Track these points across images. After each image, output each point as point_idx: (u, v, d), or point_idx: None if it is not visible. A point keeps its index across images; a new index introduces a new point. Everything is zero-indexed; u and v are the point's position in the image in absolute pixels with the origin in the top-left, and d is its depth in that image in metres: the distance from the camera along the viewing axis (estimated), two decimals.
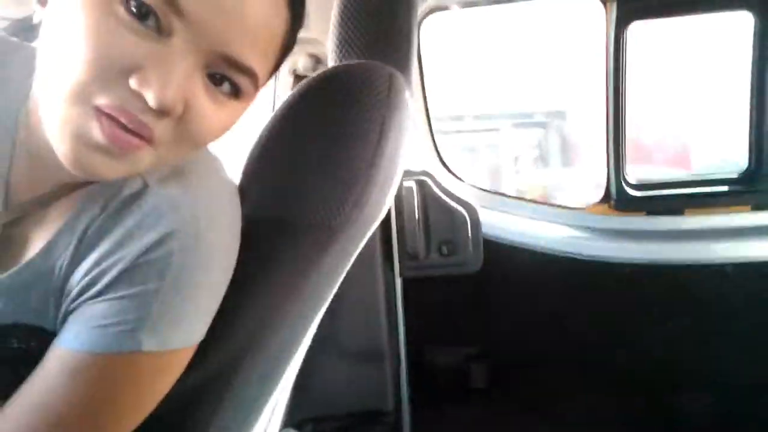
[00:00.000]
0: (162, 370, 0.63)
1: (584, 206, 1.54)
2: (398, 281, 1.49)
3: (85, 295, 0.57)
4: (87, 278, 0.57)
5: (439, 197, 1.46)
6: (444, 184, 1.48)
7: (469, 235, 1.45)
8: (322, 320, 1.40)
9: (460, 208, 1.45)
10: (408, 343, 1.48)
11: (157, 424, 0.71)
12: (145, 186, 0.58)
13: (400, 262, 1.47)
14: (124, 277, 0.55)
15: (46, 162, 0.55)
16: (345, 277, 1.38)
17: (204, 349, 0.69)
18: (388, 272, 1.48)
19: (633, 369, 1.43)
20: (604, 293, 1.44)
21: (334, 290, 0.96)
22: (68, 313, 0.58)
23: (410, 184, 1.45)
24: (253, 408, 0.82)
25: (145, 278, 0.55)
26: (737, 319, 1.41)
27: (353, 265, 1.43)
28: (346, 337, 1.46)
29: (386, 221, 1.45)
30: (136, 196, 0.58)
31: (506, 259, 1.47)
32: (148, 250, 0.56)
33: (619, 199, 1.50)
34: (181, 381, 0.68)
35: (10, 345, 0.57)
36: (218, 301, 0.68)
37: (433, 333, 1.51)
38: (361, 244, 0.91)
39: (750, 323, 1.40)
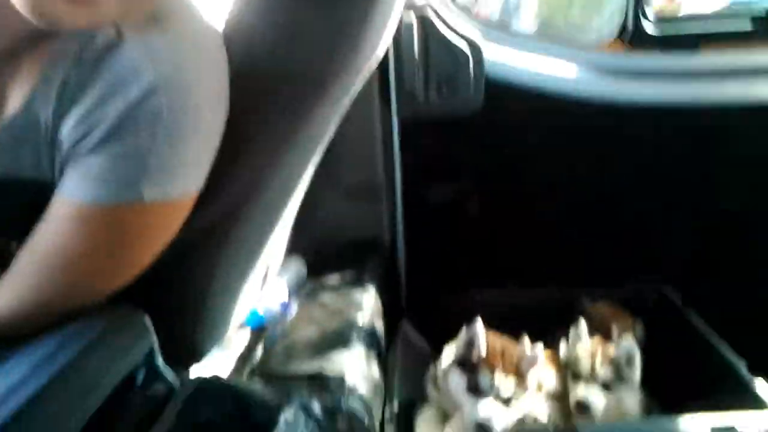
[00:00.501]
0: (165, 219, 0.67)
1: (598, 44, 1.47)
2: (395, 121, 1.48)
3: (78, 148, 0.58)
4: (76, 132, 0.58)
5: (442, 33, 1.38)
6: (447, 18, 1.39)
7: (471, 73, 1.40)
8: (322, 158, 1.44)
9: (463, 45, 1.39)
10: (404, 180, 1.53)
11: (165, 269, 0.78)
12: (120, 35, 0.56)
13: (397, 102, 1.45)
14: (114, 134, 0.56)
15: (6, 12, 0.52)
16: (343, 118, 1.38)
17: (205, 197, 0.74)
18: (385, 112, 1.48)
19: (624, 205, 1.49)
20: (604, 135, 1.45)
21: (331, 131, 0.98)
22: (64, 164, 0.60)
23: (410, 19, 1.36)
24: (255, 248, 0.89)
25: (136, 136, 0.56)
26: (748, 163, 1.43)
27: (351, 106, 1.42)
28: (344, 173, 1.51)
29: (384, 59, 1.39)
30: (112, 47, 0.57)
31: (509, 101, 1.45)
32: (134, 107, 0.56)
33: (635, 33, 1.42)
34: (185, 227, 0.73)
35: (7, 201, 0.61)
36: (214, 150, 0.70)
37: (429, 170, 1.55)
38: (356, 91, 0.90)
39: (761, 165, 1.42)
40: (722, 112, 1.40)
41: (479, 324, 1.07)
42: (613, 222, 1.53)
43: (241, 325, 1.26)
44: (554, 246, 1.54)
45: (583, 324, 1.24)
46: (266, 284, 1.25)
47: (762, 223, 1.47)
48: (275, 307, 1.29)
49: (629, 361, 1.17)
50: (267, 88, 0.75)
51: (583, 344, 1.21)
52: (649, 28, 1.43)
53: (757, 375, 1.10)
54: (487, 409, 0.99)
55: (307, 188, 1.46)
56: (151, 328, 0.79)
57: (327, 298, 1.25)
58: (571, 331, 1.24)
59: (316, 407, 0.73)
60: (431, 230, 1.59)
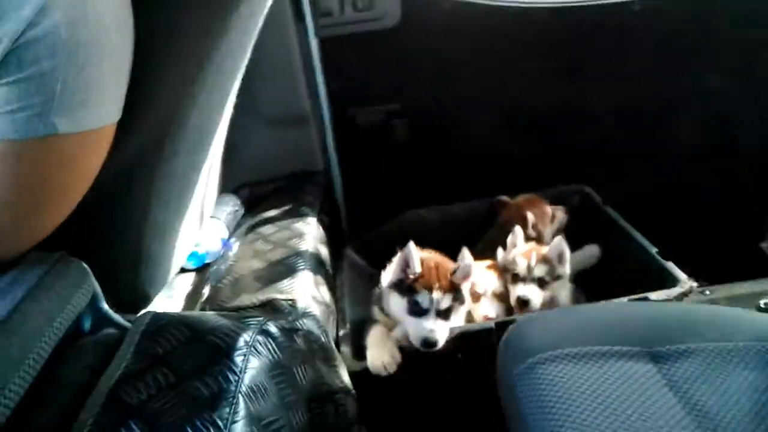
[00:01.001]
0: (85, 150, 0.64)
1: None
2: (314, 42, 1.43)
3: None
4: None
5: None
6: None
7: None
8: (242, 89, 1.39)
9: None
10: (331, 104, 1.51)
11: (96, 213, 0.74)
12: None
13: (313, 20, 1.39)
14: (12, 59, 0.52)
15: None
16: (259, 45, 1.33)
17: (128, 126, 0.70)
18: (302, 33, 1.42)
19: (547, 113, 1.55)
20: (523, 40, 1.47)
21: (248, 55, 0.94)
22: None
23: None
24: (186, 179, 0.86)
25: (35, 58, 0.52)
26: (650, 53, 1.50)
27: (265, 29, 1.35)
28: (268, 104, 1.46)
29: None
30: None
31: (424, 11, 1.43)
32: (27, 28, 0.52)
33: None
34: (109, 166, 0.69)
35: None
36: (126, 75, 0.66)
37: (354, 93, 1.52)
38: (269, 3, 0.86)
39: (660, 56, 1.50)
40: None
41: (412, 246, 1.10)
42: (533, 130, 1.59)
43: (184, 267, 1.25)
44: (482, 160, 1.59)
45: (518, 231, 1.31)
46: (203, 223, 1.23)
47: (664, 118, 1.58)
48: (216, 246, 1.27)
49: (560, 258, 1.26)
50: (177, 11, 0.70)
51: (518, 249, 1.29)
52: None
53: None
54: (429, 324, 1.03)
55: (233, 124, 1.42)
56: (91, 275, 0.77)
57: (267, 230, 1.24)
58: (509, 239, 1.31)
59: (273, 328, 0.74)
60: (364, 155, 1.59)
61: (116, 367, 0.63)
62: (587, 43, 1.49)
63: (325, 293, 1.09)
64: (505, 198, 1.48)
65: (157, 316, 0.72)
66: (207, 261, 1.27)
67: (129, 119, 0.71)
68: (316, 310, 0.98)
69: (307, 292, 1.00)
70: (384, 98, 1.53)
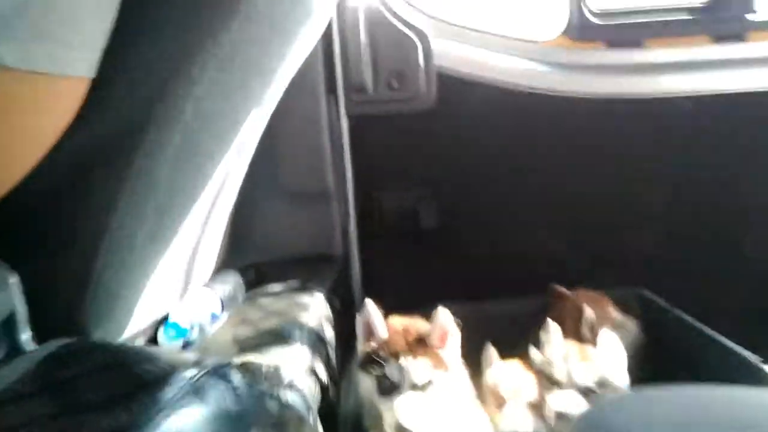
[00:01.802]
0: (38, 104, 0.51)
1: (544, 39, 1.43)
2: (344, 120, 1.37)
3: None
4: None
5: (389, 20, 1.31)
6: (394, 7, 1.33)
7: (421, 64, 1.32)
8: (263, 159, 1.28)
9: (411, 35, 1.32)
10: (356, 185, 1.39)
11: (48, 196, 0.60)
12: None
13: (345, 96, 1.34)
14: None
15: None
16: (285, 112, 1.25)
17: (101, 102, 0.58)
18: (332, 109, 1.36)
19: (587, 205, 1.39)
20: (566, 129, 1.37)
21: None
22: None
23: (355, 3, 1.28)
24: (164, 209, 0.71)
25: None
26: (695, 150, 1.38)
27: (294, 98, 1.28)
28: (289, 178, 1.36)
29: (329, 48, 1.30)
30: None
31: (460, 94, 1.37)
32: None
33: (579, 27, 1.39)
34: (76, 139, 0.57)
35: None
36: (108, 21, 0.54)
37: (381, 174, 1.42)
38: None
39: (707, 155, 1.37)
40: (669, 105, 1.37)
41: (369, 304, 0.90)
42: (575, 224, 1.42)
43: (159, 341, 1.04)
44: (518, 256, 1.41)
45: (553, 325, 1.08)
46: (190, 291, 1.06)
47: (726, 217, 1.40)
48: (204, 319, 1.08)
49: (613, 362, 1.01)
50: None
51: (554, 346, 1.05)
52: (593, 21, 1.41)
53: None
54: (402, 404, 0.80)
55: (248, 194, 1.31)
56: (14, 285, 0.60)
57: (266, 301, 1.05)
58: (542, 333, 1.08)
59: (236, 377, 0.53)
60: (388, 242, 1.43)
61: None
62: (637, 136, 1.38)
63: (322, 375, 0.86)
64: (560, 288, 1.26)
65: (77, 341, 0.53)
66: (190, 338, 1.06)
67: (105, 92, 0.60)
68: (305, 388, 0.75)
69: (297, 364, 0.78)
70: (414, 182, 1.42)
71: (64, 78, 0.51)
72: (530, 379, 1.03)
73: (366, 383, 0.85)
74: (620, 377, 0.99)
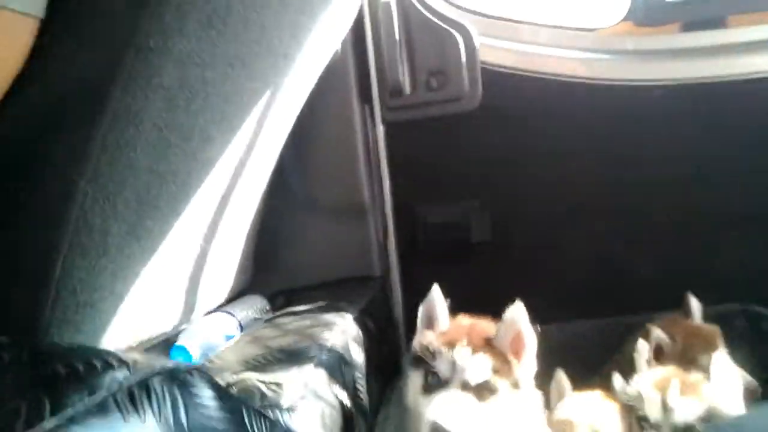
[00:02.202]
0: None
1: (603, 26, 1.27)
2: (380, 126, 1.24)
3: None
4: None
5: (426, 16, 1.19)
6: (429, 1, 1.21)
7: (463, 61, 1.19)
8: (292, 171, 1.16)
9: (450, 29, 1.19)
10: (394, 197, 1.25)
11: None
12: None
13: (381, 100, 1.22)
14: None
15: None
16: (315, 119, 1.13)
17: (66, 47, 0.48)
18: (367, 115, 1.24)
19: (663, 209, 1.18)
20: (628, 120, 1.19)
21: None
22: None
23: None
24: (156, 180, 0.60)
25: None
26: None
27: (325, 104, 1.17)
28: (321, 192, 1.24)
29: (361, 46, 1.19)
30: None
31: (508, 91, 1.22)
32: None
33: (646, 11, 1.22)
34: (33, 92, 0.47)
35: None
36: None
37: (423, 185, 1.27)
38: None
39: None
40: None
41: (436, 290, 0.77)
42: (650, 233, 1.21)
43: None
44: (583, 268, 1.21)
45: (643, 345, 0.87)
46: (200, 313, 0.93)
47: None
48: (218, 340, 0.94)
49: (724, 391, 0.78)
50: None
51: (645, 376, 0.83)
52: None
53: None
54: (442, 401, 0.63)
55: (278, 211, 1.19)
56: None
57: (285, 320, 0.91)
58: (634, 358, 0.87)
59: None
60: (432, 260, 1.26)
61: None
62: (716, 125, 1.17)
63: (343, 399, 0.69)
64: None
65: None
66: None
67: (58, 40, 0.50)
68: (315, 412, 0.59)
69: (306, 384, 0.62)
70: (460, 192, 1.26)
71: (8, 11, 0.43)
72: (613, 415, 0.82)
73: (413, 384, 0.69)
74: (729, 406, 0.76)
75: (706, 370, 0.83)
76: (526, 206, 1.23)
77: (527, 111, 1.22)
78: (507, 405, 0.66)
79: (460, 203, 1.25)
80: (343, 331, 0.85)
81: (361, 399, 0.78)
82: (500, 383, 0.66)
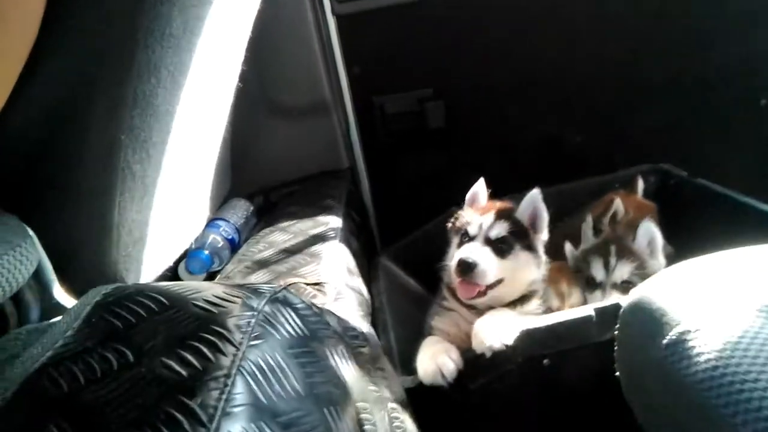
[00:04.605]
0: None
1: None
2: (331, 21, 1.26)
3: None
4: None
5: None
6: None
7: None
8: (251, 77, 1.18)
9: None
10: (354, 92, 1.31)
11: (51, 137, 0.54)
12: None
13: None
14: None
15: None
16: (268, 21, 1.13)
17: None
18: (318, 11, 1.25)
19: (596, 86, 1.33)
20: (564, 8, 1.28)
21: None
22: None
23: None
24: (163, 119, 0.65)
25: None
26: (711, 14, 1.29)
27: (277, 8, 1.16)
28: (283, 92, 1.28)
29: None
30: None
31: None
32: None
33: None
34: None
35: None
36: None
37: (380, 78, 1.33)
38: None
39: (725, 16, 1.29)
40: None
41: (481, 182, 0.96)
42: (585, 107, 1.36)
43: (184, 275, 1.02)
44: (531, 146, 1.37)
45: (589, 218, 1.05)
46: (198, 222, 1.01)
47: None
48: (223, 246, 1.05)
49: (652, 249, 0.97)
50: None
51: (590, 243, 1.02)
52: None
53: None
54: (469, 247, 0.84)
55: (244, 118, 1.23)
56: (35, 240, 0.55)
57: (286, 222, 1.02)
58: (583, 227, 1.05)
59: (296, 299, 0.51)
60: (394, 148, 1.38)
61: (46, 347, 0.40)
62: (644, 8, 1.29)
63: (360, 285, 0.84)
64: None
65: (120, 287, 0.49)
66: (214, 268, 1.04)
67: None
68: (352, 300, 0.74)
69: (339, 278, 0.76)
70: (415, 83, 1.34)
71: None
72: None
73: (453, 251, 0.88)
74: (660, 262, 0.96)
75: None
76: (477, 92, 1.33)
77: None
78: (519, 260, 0.85)
79: (414, 92, 1.34)
80: (340, 227, 0.97)
81: (367, 279, 0.93)
82: (515, 243, 0.85)
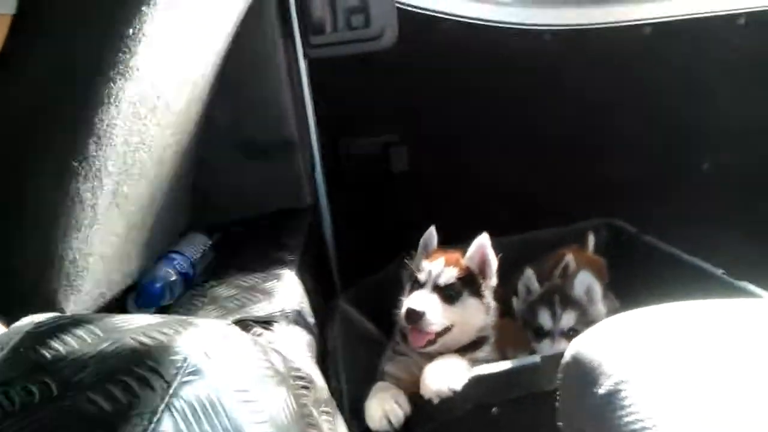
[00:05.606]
0: None
1: None
2: (303, 63, 1.29)
3: None
4: None
5: None
6: None
7: (381, 1, 1.25)
8: (220, 111, 1.19)
9: None
10: (321, 132, 1.33)
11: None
12: None
13: (303, 38, 1.26)
14: None
15: None
16: (239, 58, 1.15)
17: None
18: (290, 52, 1.28)
19: (558, 139, 1.39)
20: (528, 60, 1.34)
21: None
22: None
23: None
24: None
25: None
26: (659, 78, 1.38)
27: (248, 43, 1.18)
28: (249, 130, 1.28)
29: None
30: None
31: (423, 30, 1.31)
32: None
33: None
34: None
35: None
36: None
37: (347, 121, 1.36)
38: None
39: (672, 82, 1.38)
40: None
41: (431, 229, 0.98)
42: (547, 161, 1.42)
43: (130, 309, 0.98)
44: (492, 194, 1.40)
45: (529, 272, 1.07)
46: (152, 256, 0.99)
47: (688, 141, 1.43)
48: (174, 282, 1.02)
49: (590, 297, 1.01)
50: None
51: (535, 295, 1.04)
52: None
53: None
54: (417, 295, 0.85)
55: (210, 152, 1.22)
56: None
57: (243, 258, 1.00)
58: (519, 282, 1.07)
59: (238, 334, 0.50)
60: (357, 190, 1.39)
61: None
62: (599, 68, 1.37)
63: (312, 326, 0.83)
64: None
65: (56, 316, 0.48)
66: (165, 302, 1.01)
67: None
68: (301, 340, 0.73)
69: (289, 317, 0.75)
70: (381, 127, 1.37)
71: None
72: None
73: (405, 293, 0.89)
74: (599, 310, 1.00)
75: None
76: (440, 139, 1.37)
77: (440, 50, 1.33)
78: (467, 307, 0.87)
79: (380, 137, 1.37)
80: (297, 267, 0.97)
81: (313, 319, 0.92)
82: (463, 289, 0.86)
